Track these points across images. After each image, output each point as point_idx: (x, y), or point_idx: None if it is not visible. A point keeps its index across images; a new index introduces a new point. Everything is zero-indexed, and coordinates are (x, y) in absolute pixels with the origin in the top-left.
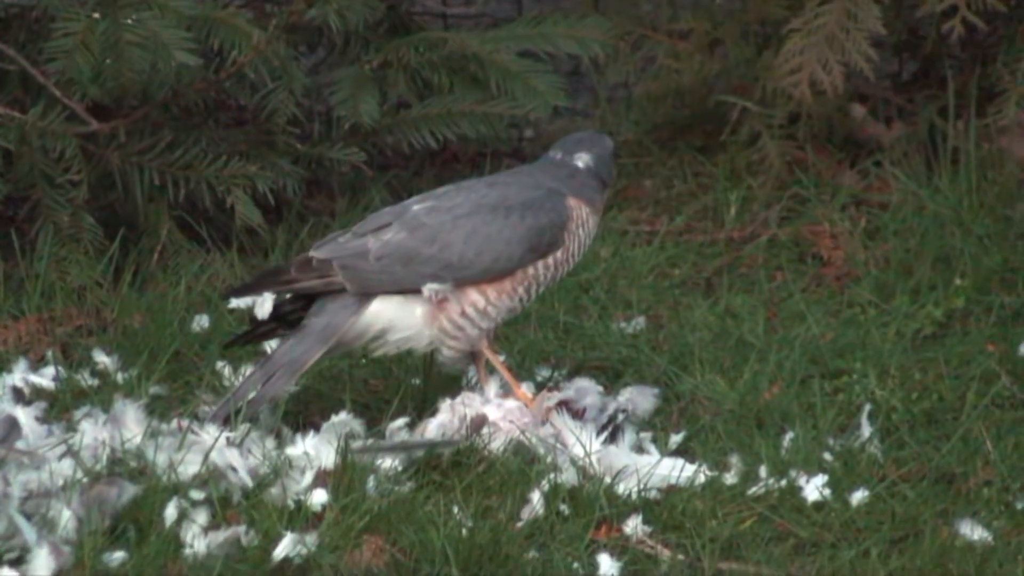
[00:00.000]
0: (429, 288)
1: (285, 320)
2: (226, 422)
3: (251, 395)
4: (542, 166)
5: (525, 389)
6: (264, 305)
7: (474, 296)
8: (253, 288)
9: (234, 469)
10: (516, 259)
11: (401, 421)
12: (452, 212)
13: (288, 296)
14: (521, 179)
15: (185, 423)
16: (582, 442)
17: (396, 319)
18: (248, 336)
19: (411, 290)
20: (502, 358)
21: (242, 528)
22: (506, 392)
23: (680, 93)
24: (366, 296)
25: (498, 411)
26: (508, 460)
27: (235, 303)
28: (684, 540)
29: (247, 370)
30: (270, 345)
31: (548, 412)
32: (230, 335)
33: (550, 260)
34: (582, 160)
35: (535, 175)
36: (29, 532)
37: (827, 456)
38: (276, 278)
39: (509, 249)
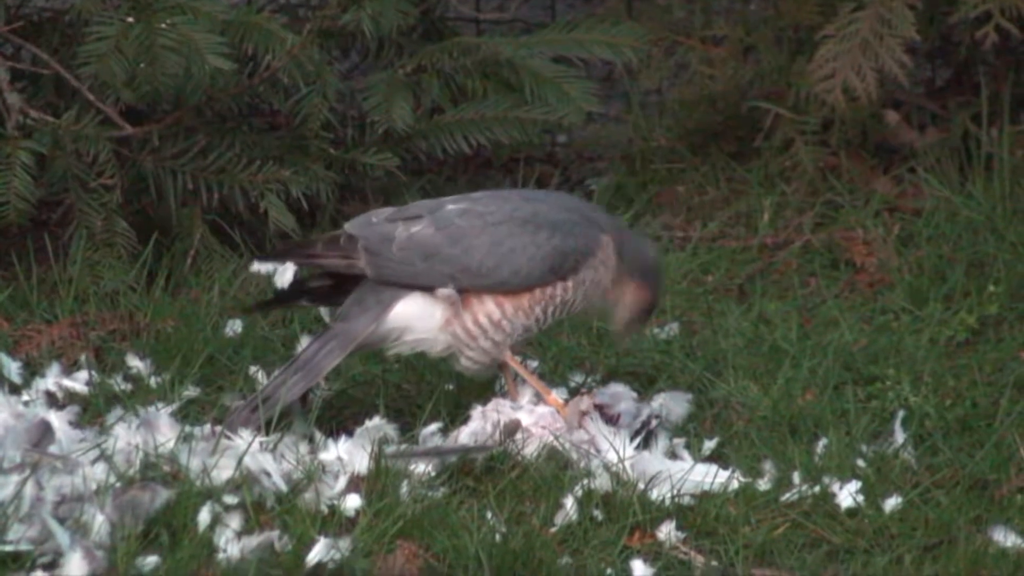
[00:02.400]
0: (442, 290)
1: (310, 292)
2: (248, 425)
3: (272, 397)
4: (609, 215)
5: (556, 395)
6: (284, 275)
7: (490, 306)
8: (277, 256)
9: (267, 474)
10: (535, 276)
11: (434, 426)
12: (483, 218)
13: (317, 272)
14: (562, 201)
15: (219, 427)
16: (615, 448)
17: (415, 321)
18: (272, 303)
19: (427, 287)
20: (534, 364)
21: (276, 533)
22: (538, 399)
23: (713, 99)
24: (389, 298)
25: (530, 416)
26: (541, 466)
27: (257, 267)
28: (717, 546)
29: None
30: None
31: (583, 416)
32: (257, 302)
33: (570, 283)
34: (645, 244)
35: (584, 208)
36: (62, 536)
37: (860, 462)
38: (302, 251)
39: (530, 265)
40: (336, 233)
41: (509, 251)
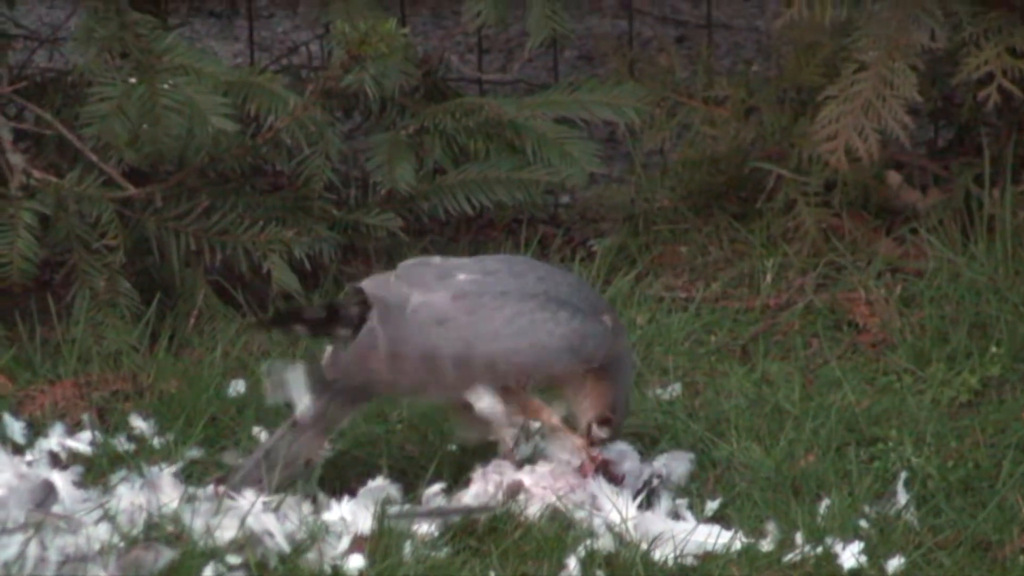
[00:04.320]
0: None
1: (304, 321)
2: (254, 484)
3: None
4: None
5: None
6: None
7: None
8: (282, 322)
9: (270, 534)
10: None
11: (437, 487)
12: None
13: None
14: (569, 278)
15: (221, 488)
16: (618, 508)
17: None
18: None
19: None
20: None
21: None
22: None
23: (715, 160)
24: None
25: (531, 477)
26: (544, 526)
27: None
28: None
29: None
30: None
31: (590, 467)
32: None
33: None
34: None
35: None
36: None
37: (863, 523)
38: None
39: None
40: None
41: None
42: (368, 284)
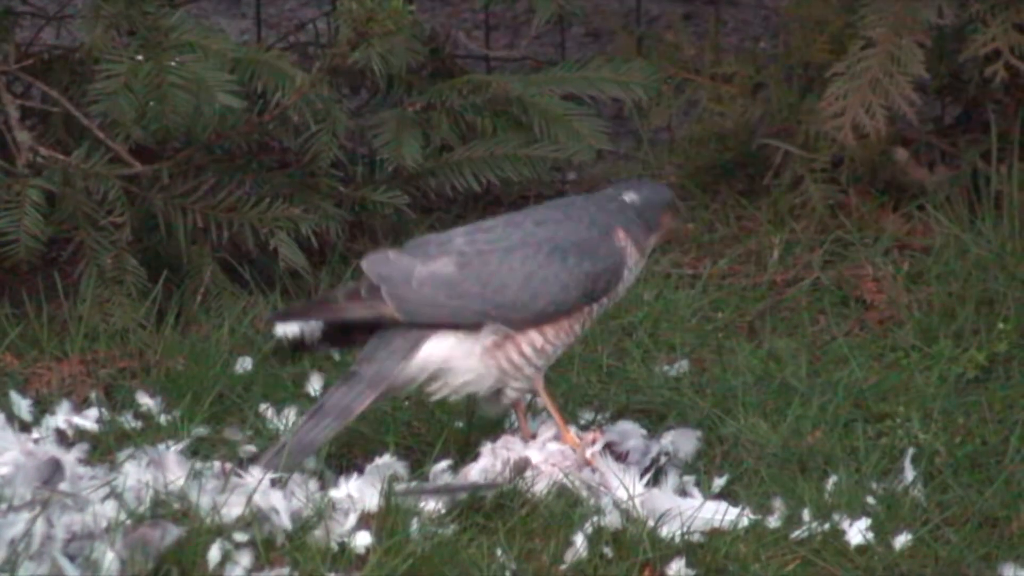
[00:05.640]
0: (488, 330)
1: (335, 341)
2: (278, 470)
3: (299, 442)
4: (591, 198)
5: (574, 433)
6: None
7: (532, 335)
8: (300, 316)
9: (277, 511)
10: (570, 303)
11: (444, 464)
12: (503, 250)
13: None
14: (571, 212)
15: (228, 465)
16: (625, 485)
17: (453, 360)
18: (294, 354)
19: (463, 326)
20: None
21: (286, 570)
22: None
23: (723, 137)
24: (417, 336)
25: (540, 454)
26: (551, 503)
27: (280, 329)
28: None
29: (289, 412)
30: (313, 386)
31: (592, 459)
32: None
33: (604, 300)
34: (629, 196)
35: (585, 208)
36: (72, 574)
37: (870, 500)
38: (325, 309)
39: (564, 294)
40: (355, 286)
41: (542, 283)
42: (368, 263)
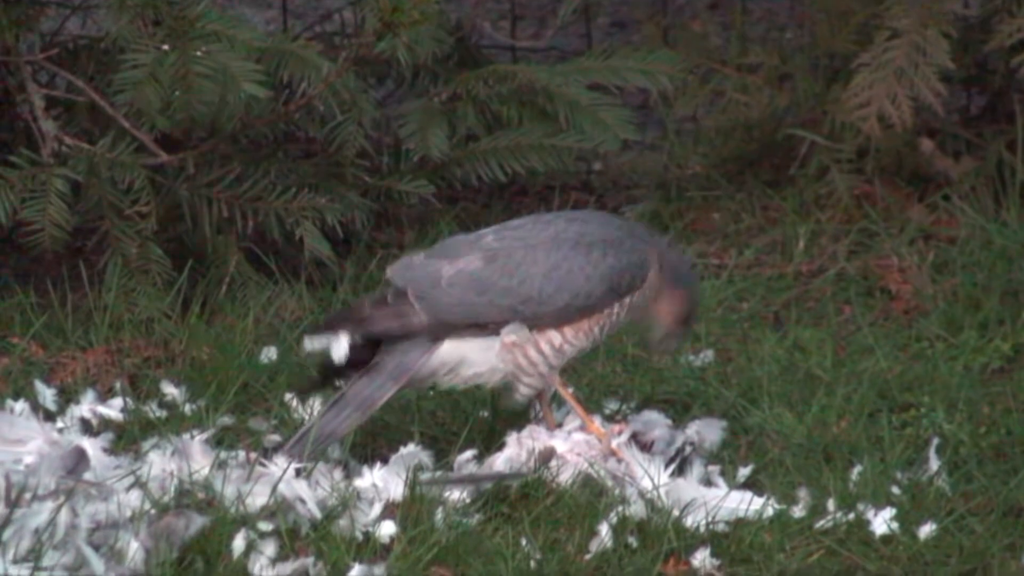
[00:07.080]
0: (508, 331)
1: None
2: (300, 459)
3: (321, 432)
4: (632, 221)
5: (598, 423)
6: (340, 348)
7: (551, 333)
8: (328, 328)
9: (302, 501)
10: (596, 297)
11: (469, 453)
12: (530, 245)
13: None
14: (605, 219)
15: (253, 454)
16: (650, 475)
17: (470, 355)
18: (322, 381)
19: (487, 323)
20: (570, 390)
21: (310, 560)
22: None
23: (748, 127)
24: (440, 333)
25: (565, 444)
26: (576, 493)
27: (309, 345)
28: (752, 573)
29: (314, 402)
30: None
31: (617, 449)
32: (300, 376)
33: (627, 300)
34: (670, 242)
35: (624, 221)
36: (97, 564)
37: (895, 490)
38: (352, 319)
39: (588, 285)
40: (381, 293)
41: (567, 274)
42: (393, 270)
